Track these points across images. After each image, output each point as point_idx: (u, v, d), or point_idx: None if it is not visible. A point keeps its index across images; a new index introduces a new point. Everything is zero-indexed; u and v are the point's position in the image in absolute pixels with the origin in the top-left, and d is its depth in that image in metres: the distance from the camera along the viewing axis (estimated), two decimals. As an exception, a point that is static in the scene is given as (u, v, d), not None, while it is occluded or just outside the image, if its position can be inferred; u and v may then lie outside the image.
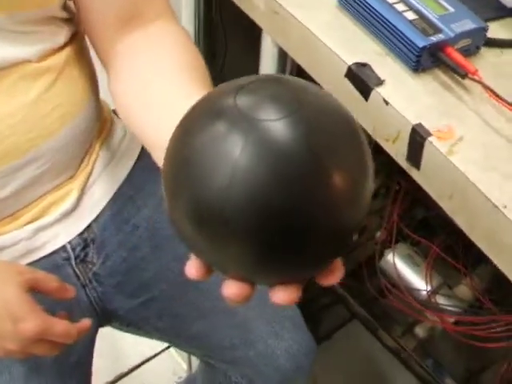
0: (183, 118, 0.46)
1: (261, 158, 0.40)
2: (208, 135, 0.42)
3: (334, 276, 0.45)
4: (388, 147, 0.77)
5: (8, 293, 0.68)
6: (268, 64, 0.99)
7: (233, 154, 0.40)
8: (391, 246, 1.11)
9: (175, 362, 1.37)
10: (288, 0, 0.85)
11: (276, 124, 0.41)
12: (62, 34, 0.77)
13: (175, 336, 0.94)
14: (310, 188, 0.40)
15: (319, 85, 0.85)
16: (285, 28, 0.86)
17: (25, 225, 0.80)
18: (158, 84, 0.67)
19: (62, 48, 0.77)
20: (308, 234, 0.41)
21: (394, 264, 1.10)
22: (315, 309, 1.26)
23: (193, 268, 0.47)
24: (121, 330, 0.94)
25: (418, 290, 1.08)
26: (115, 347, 1.14)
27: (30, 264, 0.81)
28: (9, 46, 0.70)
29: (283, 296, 0.44)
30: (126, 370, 1.23)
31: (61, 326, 0.69)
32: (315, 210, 0.40)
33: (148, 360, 1.25)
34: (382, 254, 1.13)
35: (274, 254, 0.41)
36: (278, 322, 0.94)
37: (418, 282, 1.09)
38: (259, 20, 0.90)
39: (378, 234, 1.16)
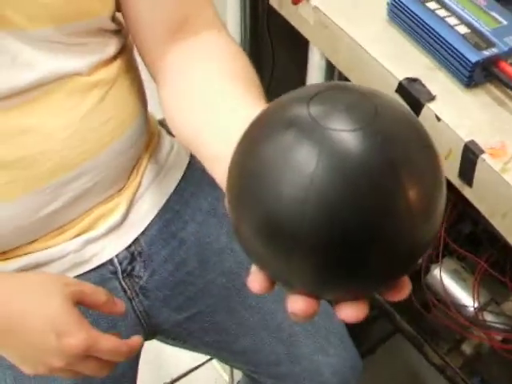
0: (250, 126, 0.45)
1: (338, 171, 0.39)
2: (280, 145, 0.40)
3: (402, 292, 0.44)
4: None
5: (53, 305, 0.66)
6: (315, 77, 0.99)
7: (308, 166, 0.39)
8: (438, 261, 1.09)
9: (217, 373, 1.37)
10: (337, 14, 0.84)
11: (353, 135, 0.39)
12: (112, 46, 0.77)
13: (221, 350, 0.93)
14: (389, 203, 0.39)
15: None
16: (334, 42, 0.85)
17: (73, 237, 0.81)
18: (207, 95, 0.66)
19: (111, 60, 0.77)
20: (384, 249, 0.40)
21: (441, 279, 1.08)
22: (359, 323, 1.25)
23: (256, 281, 0.45)
24: (166, 343, 0.94)
25: (465, 306, 1.06)
26: (157, 358, 1.13)
27: (77, 277, 0.81)
28: (58, 58, 0.70)
29: (351, 313, 0.44)
30: (168, 380, 1.23)
31: (109, 342, 0.67)
32: (394, 226, 0.40)
33: (190, 371, 1.24)
34: (428, 269, 1.11)
35: (345, 269, 0.40)
36: (324, 337, 0.93)
37: (464, 297, 1.07)
38: (308, 34, 0.90)
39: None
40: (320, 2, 0.86)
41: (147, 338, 0.90)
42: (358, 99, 0.42)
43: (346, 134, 0.39)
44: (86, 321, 0.66)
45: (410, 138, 0.42)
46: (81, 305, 0.68)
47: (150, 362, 1.15)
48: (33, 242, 0.79)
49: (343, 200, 0.39)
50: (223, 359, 0.99)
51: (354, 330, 1.07)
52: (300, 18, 0.89)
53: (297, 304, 0.44)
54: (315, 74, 1.00)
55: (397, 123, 0.42)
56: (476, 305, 1.05)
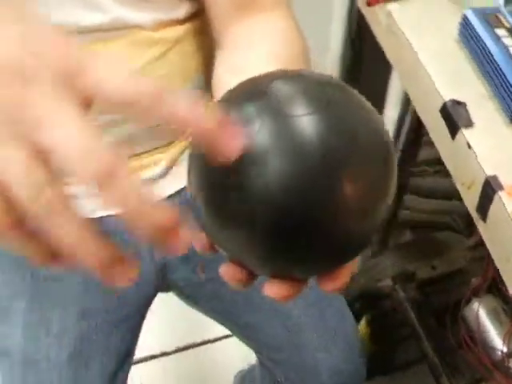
0: (223, 94, 0.47)
1: (276, 153, 0.40)
2: (233, 118, 0.42)
3: (333, 283, 0.45)
4: (463, 192, 0.74)
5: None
6: (391, 108, 0.99)
7: (250, 143, 0.40)
8: (480, 295, 1.06)
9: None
10: (409, 24, 0.83)
11: (296, 120, 0.40)
12: (182, 9, 0.79)
13: (227, 320, 0.96)
14: (316, 192, 0.40)
15: (418, 115, 0.83)
16: (399, 50, 0.84)
17: (112, 180, 0.86)
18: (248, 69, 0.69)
19: (180, 22, 0.79)
20: (307, 235, 0.41)
21: (477, 314, 1.04)
22: (392, 339, 1.23)
23: (198, 241, 0.47)
24: (180, 299, 0.98)
25: (494, 349, 1.02)
26: (197, 316, 1.16)
27: (106, 218, 0.86)
28: (125, 8, 0.73)
29: (277, 290, 0.44)
30: (199, 340, 1.27)
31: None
32: (318, 215, 0.40)
33: (224, 337, 1.28)
34: (469, 301, 1.08)
35: (274, 248, 0.42)
36: (331, 337, 0.93)
37: (496, 339, 1.03)
38: (379, 36, 0.89)
39: (474, 280, 1.11)
40: (396, 8, 0.85)
41: (161, 289, 0.94)
42: (316, 87, 0.43)
43: (290, 119, 0.40)
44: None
45: (360, 131, 0.42)
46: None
47: (190, 317, 1.16)
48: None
49: (280, 182, 0.39)
50: (232, 332, 1.02)
51: (385, 345, 1.06)
52: (375, 19, 0.89)
53: (226, 272, 0.45)
54: (391, 106, 1.00)
55: (349, 115, 0.42)
56: (505, 350, 1.01)
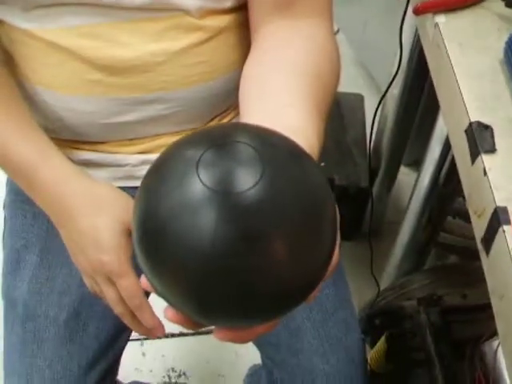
0: (158, 160, 0.48)
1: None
2: (178, 204, 0.43)
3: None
4: (474, 220, 0.71)
5: (100, 221, 0.75)
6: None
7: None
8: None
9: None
10: (454, 38, 0.80)
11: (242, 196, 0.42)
12: (229, 0, 0.79)
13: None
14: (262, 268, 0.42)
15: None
16: (439, 62, 0.81)
17: (136, 153, 0.88)
18: (271, 79, 0.68)
19: (226, 12, 0.80)
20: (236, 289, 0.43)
21: (496, 353, 0.99)
22: (407, 361, 1.19)
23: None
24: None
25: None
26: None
27: (126, 189, 0.86)
28: None
29: (223, 336, 0.49)
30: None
31: (129, 282, 0.76)
32: (267, 282, 0.43)
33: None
34: (492, 336, 1.02)
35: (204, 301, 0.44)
36: (332, 345, 0.91)
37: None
38: (425, 47, 0.86)
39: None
40: (445, 20, 0.81)
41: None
42: (248, 157, 0.43)
43: (238, 196, 0.42)
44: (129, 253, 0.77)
45: (294, 202, 0.43)
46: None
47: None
48: (103, 143, 0.87)
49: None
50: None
51: (398, 367, 1.02)
52: (425, 31, 0.85)
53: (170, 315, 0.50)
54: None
55: (280, 187, 0.43)
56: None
